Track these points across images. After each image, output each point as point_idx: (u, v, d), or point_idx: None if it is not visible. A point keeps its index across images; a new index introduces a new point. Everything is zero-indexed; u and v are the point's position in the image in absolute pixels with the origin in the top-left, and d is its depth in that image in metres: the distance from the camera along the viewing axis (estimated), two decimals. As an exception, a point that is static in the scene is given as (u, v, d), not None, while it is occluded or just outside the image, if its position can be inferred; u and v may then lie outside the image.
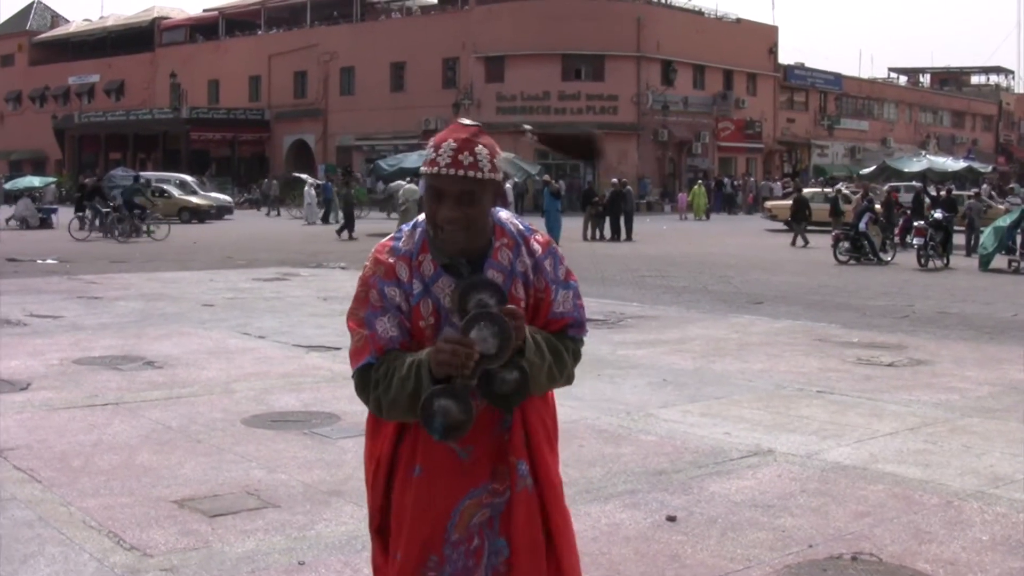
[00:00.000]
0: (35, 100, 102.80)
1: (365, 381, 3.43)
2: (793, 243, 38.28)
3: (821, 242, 35.37)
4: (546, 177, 45.78)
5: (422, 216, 3.53)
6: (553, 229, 36.37)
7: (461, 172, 3.34)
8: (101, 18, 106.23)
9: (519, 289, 3.50)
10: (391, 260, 3.44)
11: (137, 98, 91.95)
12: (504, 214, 3.61)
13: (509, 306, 3.36)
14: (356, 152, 76.75)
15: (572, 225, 40.94)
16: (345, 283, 23.55)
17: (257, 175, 72.67)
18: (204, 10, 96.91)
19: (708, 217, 59.11)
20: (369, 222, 48.52)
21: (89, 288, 21.75)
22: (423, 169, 3.46)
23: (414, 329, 3.46)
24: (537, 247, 3.56)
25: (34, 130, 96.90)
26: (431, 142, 3.49)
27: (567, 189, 53.94)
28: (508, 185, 43.14)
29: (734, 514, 7.54)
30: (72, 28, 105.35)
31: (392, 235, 3.58)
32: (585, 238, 40.89)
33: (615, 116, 69.80)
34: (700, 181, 63.17)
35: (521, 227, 3.59)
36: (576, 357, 3.69)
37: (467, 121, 3.54)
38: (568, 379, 3.66)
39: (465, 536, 3.57)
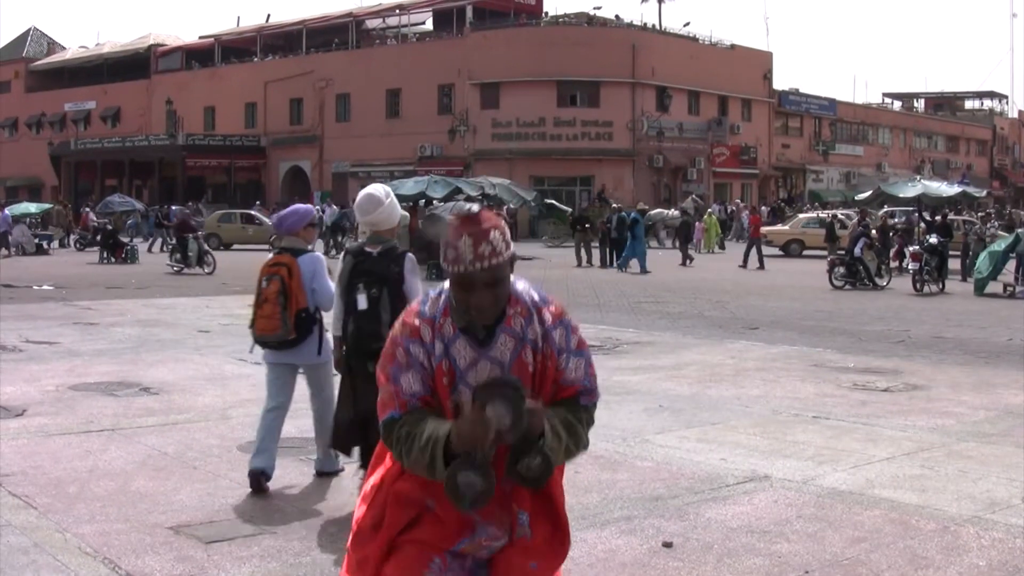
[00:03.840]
0: (31, 127, 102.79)
1: (388, 433, 3.71)
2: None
3: (817, 267, 35.40)
4: (641, 206, 45.92)
5: (446, 283, 3.76)
6: (640, 256, 37.49)
7: (486, 264, 3.58)
8: (97, 45, 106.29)
9: (528, 354, 3.73)
10: (417, 322, 3.72)
11: (133, 125, 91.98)
12: (521, 284, 3.82)
13: (529, 403, 3.57)
14: (352, 179, 76.61)
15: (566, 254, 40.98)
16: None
17: (253, 202, 72.57)
18: (200, 37, 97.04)
19: (724, 248, 53.99)
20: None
21: (85, 314, 21.74)
22: (445, 267, 3.67)
23: (436, 385, 3.71)
24: (548, 317, 3.77)
25: (30, 157, 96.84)
26: (445, 241, 3.67)
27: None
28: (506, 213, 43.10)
29: (730, 540, 7.53)
30: (68, 55, 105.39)
31: (419, 299, 3.84)
32: (579, 264, 40.77)
33: (610, 142, 69.93)
34: (711, 210, 59.11)
35: (536, 297, 3.81)
36: (589, 423, 3.88)
37: (467, 207, 3.79)
38: (584, 447, 3.87)
39: (468, 555, 3.85)
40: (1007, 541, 7.56)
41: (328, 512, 8.08)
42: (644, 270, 36.96)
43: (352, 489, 8.80)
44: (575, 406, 3.82)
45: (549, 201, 56.02)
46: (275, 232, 9.66)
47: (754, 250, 40.33)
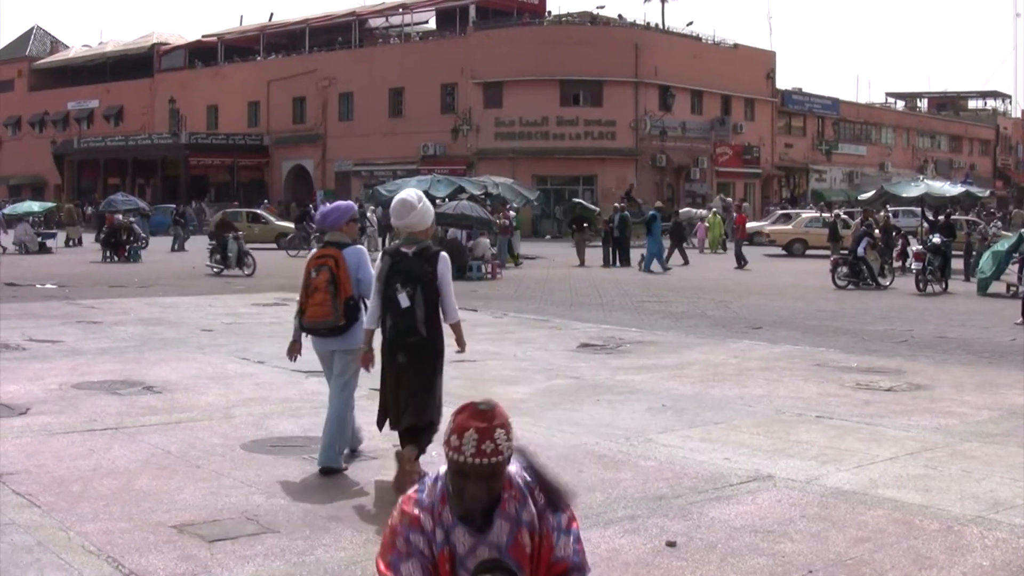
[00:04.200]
0: (34, 125, 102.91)
1: None
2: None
3: (820, 267, 35.38)
4: (659, 204, 45.85)
5: (443, 468, 3.87)
6: (655, 255, 37.52)
7: (486, 461, 3.69)
8: (100, 44, 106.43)
9: (524, 537, 3.82)
10: (416, 511, 3.83)
11: (136, 123, 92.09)
12: (514, 467, 3.89)
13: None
14: (355, 177, 76.76)
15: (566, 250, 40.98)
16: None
17: (256, 200, 72.57)
18: (203, 36, 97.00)
19: (725, 249, 51.06)
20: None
21: (88, 313, 21.76)
22: (446, 452, 3.78)
23: (440, 572, 3.81)
24: (542, 498, 3.88)
25: (33, 155, 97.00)
26: (452, 425, 3.77)
27: (563, 214, 53.66)
28: (511, 212, 43.01)
29: (734, 539, 7.53)
30: (71, 54, 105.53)
31: (416, 487, 3.92)
32: (582, 264, 40.69)
33: (613, 141, 69.95)
34: (714, 208, 58.35)
35: (529, 479, 3.90)
36: None
37: (483, 406, 3.84)
38: None
39: None
40: (1011, 541, 7.55)
41: (331, 511, 8.08)
42: (649, 269, 36.97)
43: (355, 488, 8.82)
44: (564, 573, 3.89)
45: (578, 200, 55.89)
46: (319, 228, 10.37)
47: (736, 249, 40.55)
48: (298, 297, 9.60)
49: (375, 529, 7.55)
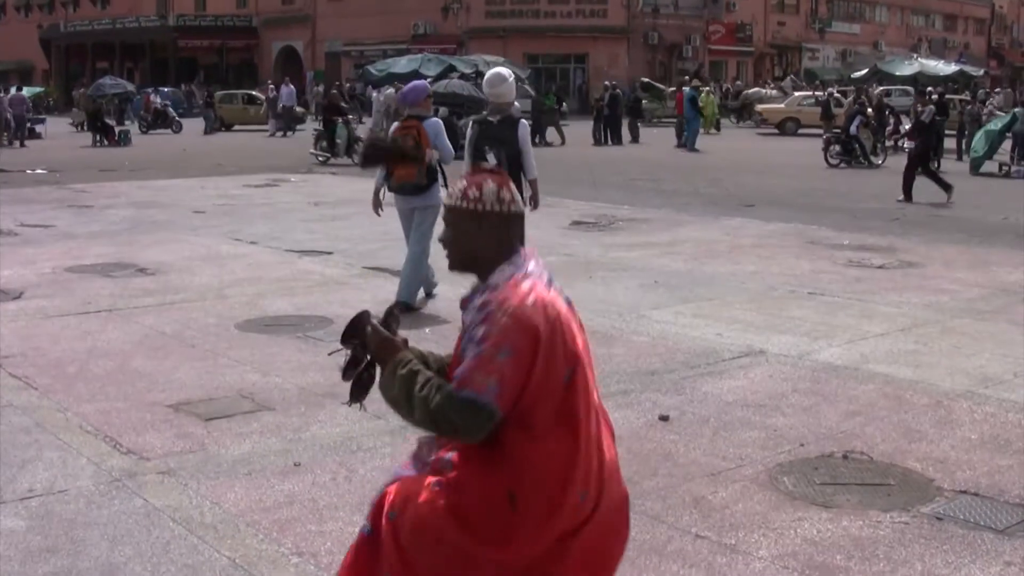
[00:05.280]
0: (19, 10, 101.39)
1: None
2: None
3: (812, 145, 35.26)
4: (695, 83, 45.37)
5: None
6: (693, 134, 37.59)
7: (450, 202, 3.69)
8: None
9: (462, 333, 3.68)
10: None
11: (123, 6, 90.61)
12: (505, 273, 3.64)
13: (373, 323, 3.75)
14: (345, 58, 76.05)
15: (577, 131, 40.75)
16: (335, 188, 23.53)
17: (246, 83, 71.90)
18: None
19: (719, 130, 50.08)
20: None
21: (79, 197, 21.68)
22: (468, 207, 3.72)
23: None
24: (479, 302, 3.61)
25: (20, 40, 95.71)
26: (465, 183, 3.75)
27: (557, 90, 52.93)
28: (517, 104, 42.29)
29: (726, 414, 7.60)
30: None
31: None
32: (563, 142, 40.25)
33: (605, 19, 69.20)
34: (708, 88, 54.64)
35: (497, 280, 3.63)
36: (446, 406, 3.48)
37: (493, 163, 3.99)
38: (420, 419, 3.58)
39: None
40: (999, 416, 7.63)
41: (327, 388, 8.12)
42: (694, 148, 36.93)
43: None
44: (445, 382, 3.58)
45: (645, 79, 55.46)
46: (400, 104, 12.82)
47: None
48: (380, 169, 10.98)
49: (370, 406, 7.59)
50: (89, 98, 49.04)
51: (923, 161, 22.61)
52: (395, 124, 11.27)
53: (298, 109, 48.42)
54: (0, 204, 20.02)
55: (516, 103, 11.52)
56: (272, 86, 48.98)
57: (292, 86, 48.42)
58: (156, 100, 51.45)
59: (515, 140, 10.77)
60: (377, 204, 11.42)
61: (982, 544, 5.55)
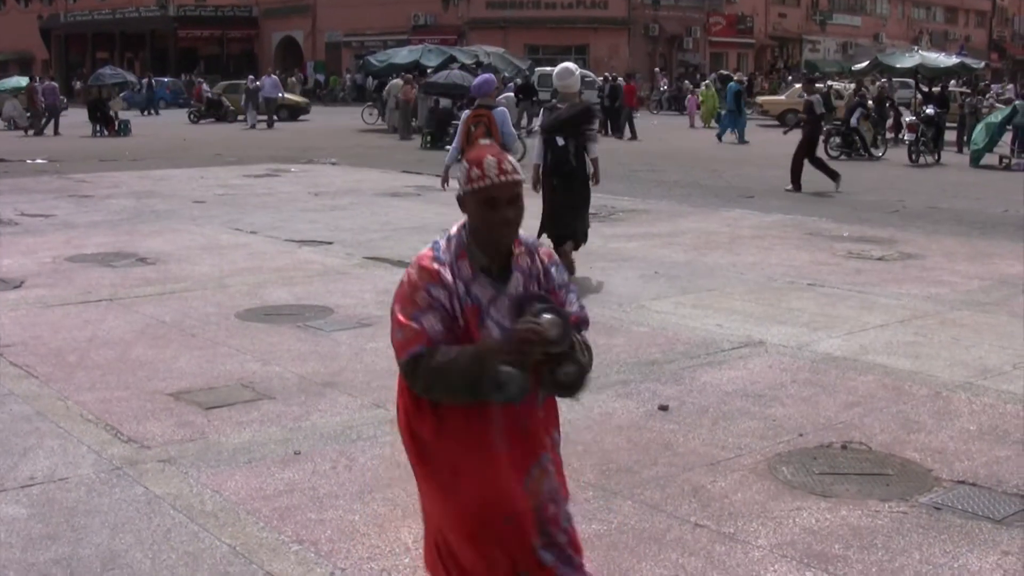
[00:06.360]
0: (20, 0, 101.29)
1: (415, 367, 3.78)
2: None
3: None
4: (737, 76, 45.29)
5: (454, 228, 3.94)
6: (742, 127, 37.63)
7: (509, 178, 3.79)
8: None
9: (534, 287, 3.92)
10: (436, 267, 3.84)
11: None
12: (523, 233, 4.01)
13: (567, 310, 3.89)
14: (345, 48, 76.01)
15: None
16: (335, 178, 23.52)
17: (246, 73, 71.79)
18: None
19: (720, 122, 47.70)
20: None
21: (80, 187, 21.69)
22: (470, 189, 3.82)
23: (469, 324, 3.84)
24: (545, 258, 4.00)
25: (20, 30, 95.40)
26: (467, 161, 3.86)
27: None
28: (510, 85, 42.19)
29: (725, 404, 7.62)
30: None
31: (430, 246, 3.93)
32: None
33: (605, 10, 69.14)
34: (707, 81, 54.66)
35: (529, 237, 4.03)
36: (590, 350, 3.97)
37: (484, 141, 4.17)
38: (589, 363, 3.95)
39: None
40: (998, 407, 7.64)
41: (326, 378, 8.15)
42: (744, 139, 37.05)
43: (349, 355, 8.88)
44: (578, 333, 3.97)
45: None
46: (471, 95, 14.42)
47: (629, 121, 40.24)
48: (456, 144, 12.88)
49: (370, 396, 7.62)
50: (89, 88, 48.84)
51: (811, 149, 22.57)
52: (466, 112, 12.97)
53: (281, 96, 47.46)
54: (1, 193, 20.03)
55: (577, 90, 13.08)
56: (252, 77, 48.27)
57: (275, 76, 47.91)
58: (205, 88, 51.29)
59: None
60: (445, 180, 13.18)
61: (980, 534, 5.57)
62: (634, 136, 39.06)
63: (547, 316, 3.68)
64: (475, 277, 3.86)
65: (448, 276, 3.83)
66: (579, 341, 3.87)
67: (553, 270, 3.98)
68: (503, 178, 3.76)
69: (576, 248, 12.34)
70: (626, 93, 41.93)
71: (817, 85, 48.60)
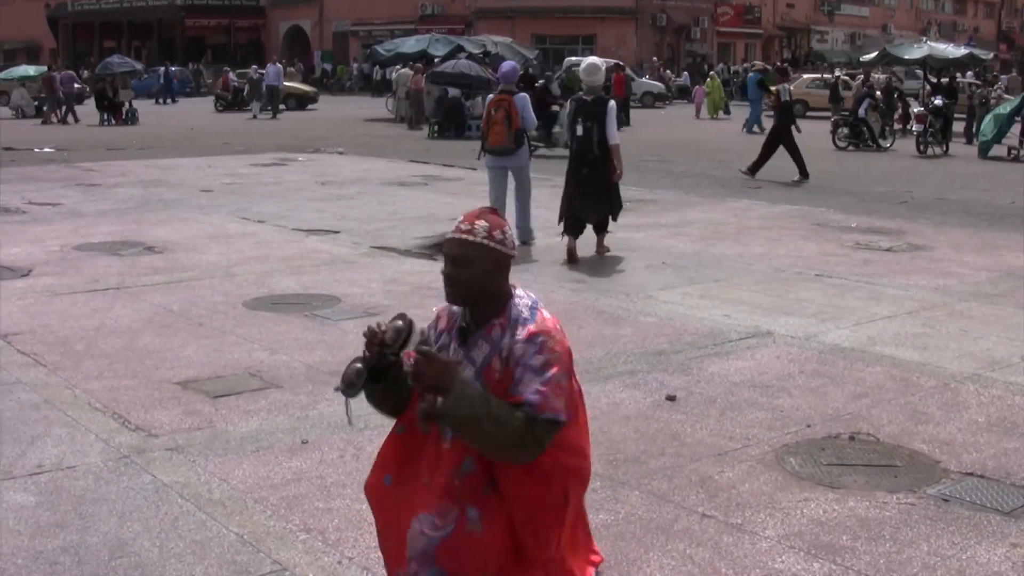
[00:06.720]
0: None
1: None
2: None
3: (820, 128, 35.18)
4: (758, 65, 45.27)
5: None
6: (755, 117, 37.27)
7: (458, 236, 3.76)
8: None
9: (496, 363, 3.80)
10: (436, 311, 4.07)
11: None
12: (522, 303, 3.87)
13: (424, 348, 3.71)
14: (352, 38, 76.00)
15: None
16: (343, 168, 23.51)
17: (253, 62, 71.76)
18: None
19: (729, 113, 47.74)
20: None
21: (87, 175, 21.70)
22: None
23: None
24: (522, 334, 3.78)
25: (27, 19, 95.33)
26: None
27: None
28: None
29: (733, 394, 7.61)
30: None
31: None
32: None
33: (613, 0, 69.06)
34: (713, 72, 54.78)
35: (525, 315, 3.84)
36: (530, 433, 3.68)
37: (490, 207, 4.00)
38: (510, 448, 3.70)
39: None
40: (1006, 398, 7.63)
41: (334, 366, 8.14)
42: (751, 130, 36.98)
43: (357, 344, 8.86)
44: (517, 406, 3.71)
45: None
46: (496, 82, 16.14)
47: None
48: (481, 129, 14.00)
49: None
50: (97, 77, 48.80)
51: (785, 138, 22.60)
52: (490, 96, 13.99)
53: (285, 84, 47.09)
54: (8, 182, 20.06)
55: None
56: (256, 67, 48.09)
57: (279, 64, 47.61)
58: (232, 77, 51.26)
59: (604, 114, 12.59)
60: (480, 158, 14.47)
61: (988, 526, 5.56)
62: (626, 121, 38.81)
63: (395, 323, 3.74)
64: (451, 332, 3.92)
65: (443, 323, 3.97)
66: (481, 393, 3.66)
67: (519, 347, 3.74)
68: (454, 234, 3.76)
69: (602, 231, 13.10)
70: (615, 84, 41.65)
71: (826, 75, 49.02)
